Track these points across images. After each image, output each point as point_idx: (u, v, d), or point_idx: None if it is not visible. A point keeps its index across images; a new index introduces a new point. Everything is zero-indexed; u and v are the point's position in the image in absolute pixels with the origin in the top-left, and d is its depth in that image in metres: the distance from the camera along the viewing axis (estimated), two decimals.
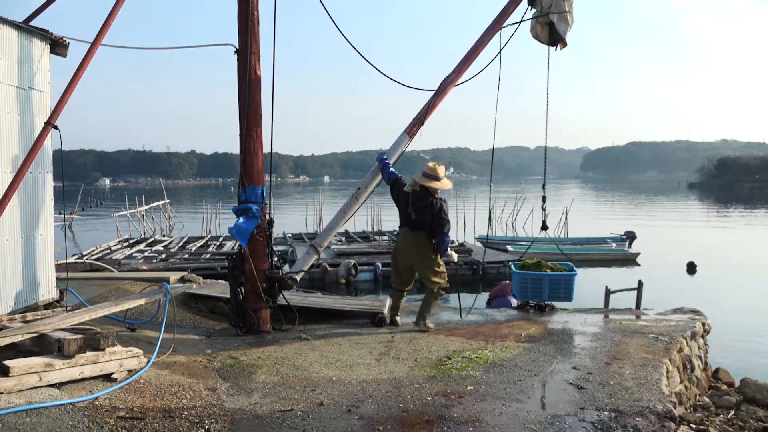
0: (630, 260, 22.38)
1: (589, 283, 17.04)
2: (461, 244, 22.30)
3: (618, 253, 23.36)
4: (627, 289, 10.21)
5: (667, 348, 5.83)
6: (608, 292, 10.16)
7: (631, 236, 24.77)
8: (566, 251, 22.90)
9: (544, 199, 7.92)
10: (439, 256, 6.66)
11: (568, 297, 7.34)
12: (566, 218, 29.04)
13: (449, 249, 6.76)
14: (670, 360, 5.52)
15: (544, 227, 7.87)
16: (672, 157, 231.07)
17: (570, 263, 7.59)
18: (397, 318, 6.93)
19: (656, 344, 5.95)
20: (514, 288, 7.68)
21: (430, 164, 6.74)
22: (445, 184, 6.68)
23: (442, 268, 6.74)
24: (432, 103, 7.26)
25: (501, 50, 7.44)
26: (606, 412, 4.18)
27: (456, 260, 7.13)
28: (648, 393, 4.56)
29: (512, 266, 7.67)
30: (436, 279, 6.65)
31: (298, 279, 6.82)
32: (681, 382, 5.75)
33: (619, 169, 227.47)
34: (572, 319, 7.25)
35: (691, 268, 20.36)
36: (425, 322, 6.75)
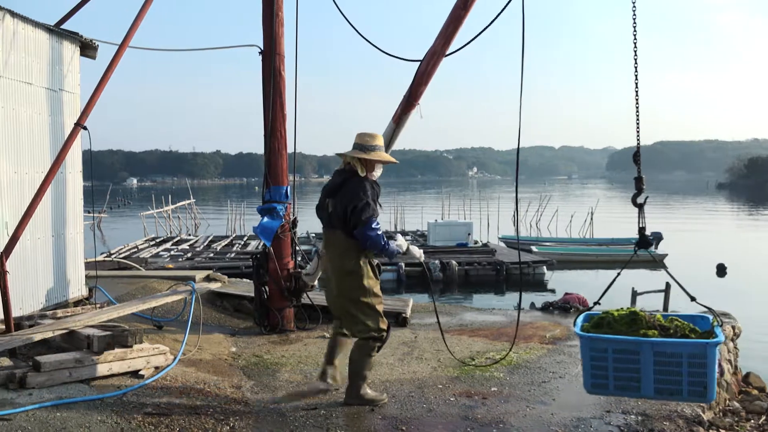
0: (657, 262, 22.03)
1: (615, 284, 16.86)
2: (485, 245, 22.18)
3: (644, 254, 23.01)
4: (654, 291, 10.05)
5: None
6: (635, 294, 10.02)
7: (657, 237, 24.37)
8: (591, 252, 22.71)
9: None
10: (371, 277, 4.14)
11: (704, 395, 3.44)
12: (591, 219, 28.70)
13: (400, 245, 4.33)
14: None
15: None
16: (700, 156, 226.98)
17: (709, 315, 3.85)
18: (333, 374, 4.36)
19: None
20: (583, 367, 3.70)
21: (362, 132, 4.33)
22: (379, 156, 4.22)
23: (377, 300, 4.15)
24: (417, 80, 6.14)
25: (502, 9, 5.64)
26: (632, 416, 4.13)
27: (421, 258, 4.65)
28: None
29: (576, 325, 3.83)
30: (365, 320, 4.09)
31: (315, 285, 6.73)
32: None
33: (646, 169, 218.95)
34: None
35: (721, 270, 19.95)
36: (361, 392, 4.17)
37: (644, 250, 4.17)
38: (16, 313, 5.40)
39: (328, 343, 4.49)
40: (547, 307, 7.89)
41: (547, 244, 24.55)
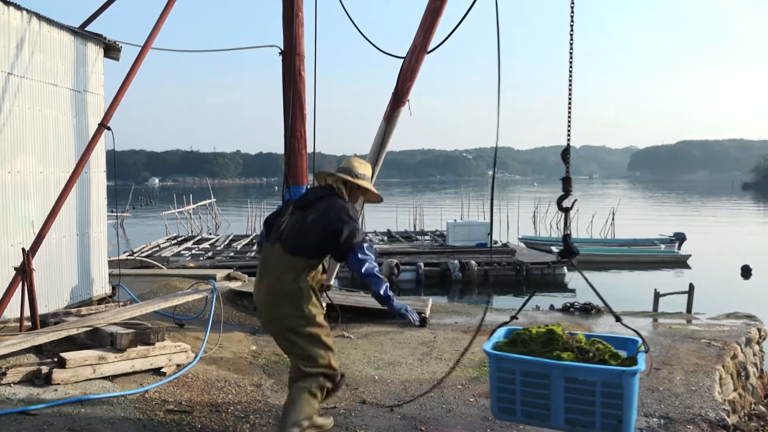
0: (680, 263, 21.71)
1: (637, 285, 16.65)
2: (504, 245, 22.06)
3: (667, 255, 22.70)
4: (677, 293, 9.91)
5: (720, 354, 5.63)
6: (657, 295, 9.88)
7: (680, 238, 24.04)
8: (613, 253, 22.46)
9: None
10: (314, 304, 3.42)
11: (618, 430, 2.96)
12: (613, 219, 28.39)
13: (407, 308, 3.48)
14: (723, 366, 5.33)
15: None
16: (725, 156, 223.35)
17: (639, 338, 3.22)
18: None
19: (708, 350, 5.76)
20: (490, 388, 3.27)
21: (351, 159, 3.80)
22: (366, 184, 3.67)
23: (323, 332, 3.46)
24: (402, 76, 6.01)
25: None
26: (655, 419, 4.07)
27: (416, 320, 3.58)
28: (700, 400, 4.42)
29: (490, 339, 3.39)
30: (311, 351, 3.38)
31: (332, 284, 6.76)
32: (735, 389, 5.54)
33: (669, 168, 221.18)
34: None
35: (746, 272, 19.60)
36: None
37: (566, 259, 3.60)
38: (41, 310, 5.50)
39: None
40: (567, 308, 7.82)
41: None
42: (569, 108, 3.57)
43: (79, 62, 6.84)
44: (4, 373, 4.29)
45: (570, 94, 3.58)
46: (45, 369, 4.35)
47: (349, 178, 3.59)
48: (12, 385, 4.26)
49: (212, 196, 37.67)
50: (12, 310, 5.36)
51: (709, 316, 7.50)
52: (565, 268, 18.57)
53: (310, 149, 6.71)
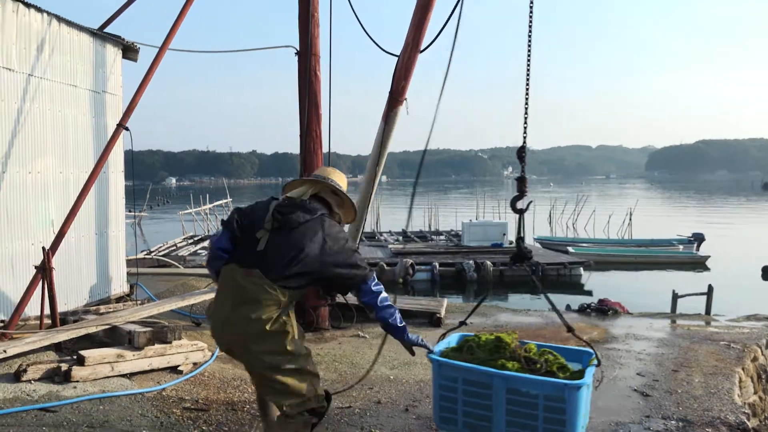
0: (699, 263, 21.44)
1: (654, 286, 16.47)
2: None
3: (685, 255, 22.41)
4: (696, 294, 9.80)
5: (739, 356, 5.55)
6: (675, 297, 9.77)
7: (699, 238, 23.71)
8: (630, 253, 22.24)
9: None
10: (300, 335, 3.07)
11: None
12: (630, 219, 28.10)
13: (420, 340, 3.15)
14: (743, 369, 5.26)
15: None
16: (745, 155, 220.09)
17: (592, 350, 3.20)
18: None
19: (728, 352, 5.68)
20: (433, 396, 3.15)
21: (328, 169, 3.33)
22: (349, 202, 3.23)
23: (309, 360, 2.99)
24: (397, 75, 5.87)
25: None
26: (673, 421, 4.03)
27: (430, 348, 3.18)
28: (719, 403, 4.36)
29: (438, 344, 3.29)
30: (298, 388, 2.87)
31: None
32: (755, 392, 5.46)
33: (687, 168, 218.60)
34: (637, 323, 7.01)
35: (766, 273, 19.30)
36: None
37: (518, 263, 3.39)
38: (61, 308, 5.58)
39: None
40: (584, 309, 7.76)
41: (584, 244, 24.12)
42: (526, 106, 3.45)
43: (98, 63, 6.92)
44: (25, 370, 4.35)
45: (527, 93, 3.47)
46: (64, 366, 4.41)
47: (340, 187, 3.13)
48: (32, 381, 4.33)
49: (228, 196, 37.89)
50: (32, 308, 5.44)
51: (728, 318, 7.40)
52: (581, 268, 18.44)
53: (325, 149, 6.73)
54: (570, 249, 21.45)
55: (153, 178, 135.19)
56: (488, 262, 17.73)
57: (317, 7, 6.60)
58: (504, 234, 21.25)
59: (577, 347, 3.27)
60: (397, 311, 3.05)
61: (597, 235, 28.61)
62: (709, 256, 21.76)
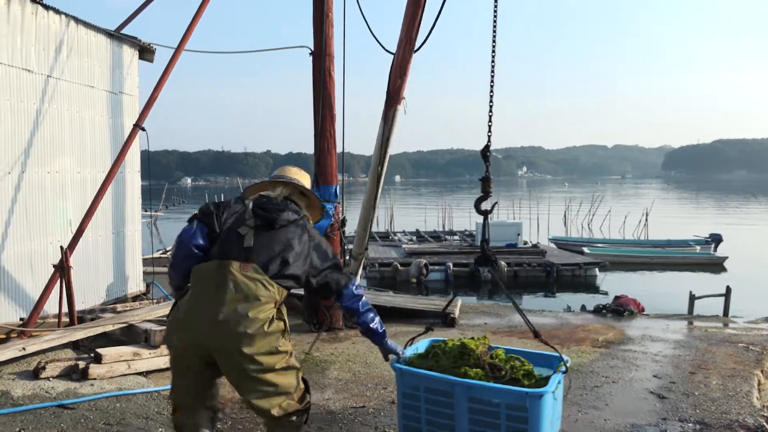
0: (716, 265, 21.18)
1: (671, 287, 16.29)
2: (535, 245, 21.83)
3: (703, 256, 22.15)
4: (713, 295, 9.67)
5: (758, 359, 5.48)
6: (692, 298, 9.66)
7: (716, 239, 23.42)
8: (646, 254, 22.03)
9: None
10: (287, 336, 2.76)
11: None
12: (646, 220, 27.85)
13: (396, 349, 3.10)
14: (761, 371, 5.19)
15: None
16: (764, 155, 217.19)
17: (559, 355, 3.06)
18: None
19: (746, 354, 5.61)
20: (397, 404, 3.10)
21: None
22: (314, 207, 3.19)
23: (293, 358, 2.78)
24: (393, 74, 5.77)
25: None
26: (690, 424, 3.98)
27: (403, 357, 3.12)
28: (737, 405, 4.31)
29: (406, 350, 3.18)
30: (287, 386, 2.71)
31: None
32: None
33: (705, 168, 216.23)
34: (653, 325, 6.95)
35: None
36: None
37: (481, 267, 3.37)
38: (78, 306, 5.64)
39: None
40: (599, 310, 7.71)
41: (599, 245, 23.94)
42: (490, 105, 3.44)
43: (114, 64, 6.99)
44: (44, 368, 4.41)
45: (491, 92, 3.45)
46: (82, 364, 4.46)
47: (309, 192, 3.07)
48: (51, 379, 4.39)
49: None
50: (51, 306, 5.52)
51: (746, 320, 7.31)
52: (596, 269, 18.30)
53: (339, 149, 6.74)
54: (585, 249, 21.30)
55: (169, 178, 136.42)
56: (502, 263, 17.64)
57: (332, 7, 6.61)
58: (518, 234, 21.16)
59: (547, 352, 3.17)
60: (377, 316, 3.00)
61: (612, 236, 28.37)
62: (726, 257, 21.49)
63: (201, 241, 2.74)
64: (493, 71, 3.50)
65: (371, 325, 2.96)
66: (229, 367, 2.63)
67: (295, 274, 2.74)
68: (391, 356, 3.09)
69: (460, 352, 3.03)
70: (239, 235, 2.72)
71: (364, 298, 2.96)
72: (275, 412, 2.66)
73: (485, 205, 3.30)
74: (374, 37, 6.23)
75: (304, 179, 3.12)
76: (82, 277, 6.23)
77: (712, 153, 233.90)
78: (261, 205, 2.81)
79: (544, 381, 2.87)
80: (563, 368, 2.96)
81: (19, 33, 5.66)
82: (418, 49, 5.69)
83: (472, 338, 3.20)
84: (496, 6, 3.50)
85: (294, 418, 2.73)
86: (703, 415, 4.13)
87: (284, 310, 2.78)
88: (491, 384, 2.80)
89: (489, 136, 3.43)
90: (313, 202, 3.13)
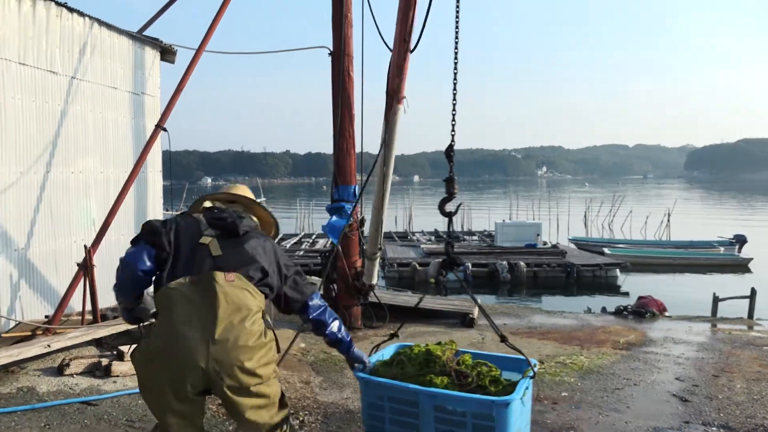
0: (741, 266, 20.81)
1: (694, 289, 16.05)
2: (554, 246, 21.66)
3: (727, 258, 21.77)
4: (738, 297, 9.50)
5: None
6: (716, 300, 9.50)
7: (741, 240, 23.00)
8: (668, 255, 21.73)
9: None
10: (275, 349, 2.65)
11: None
12: (668, 220, 27.46)
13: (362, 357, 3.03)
14: None
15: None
16: None
17: (527, 359, 2.98)
18: None
19: None
20: (362, 414, 3.06)
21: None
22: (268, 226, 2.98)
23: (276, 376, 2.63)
24: (391, 72, 5.76)
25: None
26: (714, 428, 3.92)
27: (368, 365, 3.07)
28: (762, 410, 4.23)
29: (372, 356, 3.17)
30: (274, 396, 2.59)
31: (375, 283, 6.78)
32: None
33: (729, 168, 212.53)
34: (675, 327, 6.85)
35: None
36: None
37: (446, 270, 3.19)
38: (101, 304, 5.72)
39: None
40: (620, 312, 7.62)
41: (621, 246, 23.66)
42: (454, 104, 3.44)
43: (137, 66, 7.08)
44: (68, 365, 4.49)
45: (455, 90, 3.46)
46: (105, 361, 4.53)
47: (260, 207, 2.88)
48: (75, 375, 4.46)
49: (262, 195, 38.39)
50: (75, 304, 5.60)
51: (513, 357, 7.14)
52: (617, 270, 18.10)
53: (358, 149, 6.76)
54: (606, 250, 21.06)
55: (189, 177, 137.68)
56: (522, 263, 17.55)
57: (350, 7, 6.63)
58: (538, 234, 21.00)
59: (517, 357, 3.08)
60: (343, 325, 2.91)
61: (634, 236, 28.02)
62: (751, 259, 21.10)
63: (148, 264, 2.52)
64: (456, 67, 3.52)
65: (338, 335, 2.86)
66: (227, 386, 2.38)
67: (271, 282, 2.61)
68: (357, 365, 2.99)
69: (425, 359, 2.95)
70: (202, 245, 2.52)
71: (329, 308, 2.85)
72: (269, 423, 2.52)
73: (450, 207, 3.20)
74: (380, 35, 6.22)
75: (250, 195, 2.92)
76: (105, 275, 6.30)
77: (736, 152, 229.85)
78: (216, 216, 2.64)
79: (511, 387, 2.79)
80: (531, 373, 2.87)
81: (44, 35, 5.76)
82: (413, 50, 5.66)
83: (439, 343, 3.13)
84: (458, 7, 3.54)
85: (285, 427, 2.62)
86: (727, 419, 4.07)
87: (269, 318, 2.63)
88: (456, 393, 2.71)
89: (452, 135, 3.42)
90: (264, 221, 2.92)
